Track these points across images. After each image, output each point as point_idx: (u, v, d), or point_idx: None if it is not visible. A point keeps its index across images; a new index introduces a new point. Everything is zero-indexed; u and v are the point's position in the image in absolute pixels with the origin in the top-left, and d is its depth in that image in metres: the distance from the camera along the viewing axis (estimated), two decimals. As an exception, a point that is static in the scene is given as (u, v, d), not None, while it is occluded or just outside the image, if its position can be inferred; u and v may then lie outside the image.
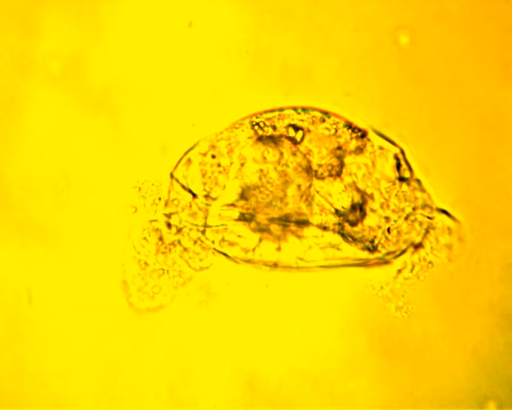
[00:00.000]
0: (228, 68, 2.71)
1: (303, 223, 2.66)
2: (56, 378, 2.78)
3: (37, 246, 2.76)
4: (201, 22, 2.73)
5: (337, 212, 2.61)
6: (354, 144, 2.65)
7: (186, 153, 2.71)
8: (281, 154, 2.60)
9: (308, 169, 2.60)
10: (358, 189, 2.63)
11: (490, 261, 2.69)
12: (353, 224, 2.62)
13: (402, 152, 2.69)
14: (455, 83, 2.70)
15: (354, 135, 2.63)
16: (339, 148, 2.63)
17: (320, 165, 2.65)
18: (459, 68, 2.70)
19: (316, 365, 2.75)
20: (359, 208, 2.61)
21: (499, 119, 2.71)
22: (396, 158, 2.68)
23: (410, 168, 2.69)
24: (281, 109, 2.70)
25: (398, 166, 2.68)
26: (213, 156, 2.67)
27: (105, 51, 2.75)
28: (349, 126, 2.65)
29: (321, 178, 2.64)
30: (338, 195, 2.63)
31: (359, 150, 2.64)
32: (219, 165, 2.67)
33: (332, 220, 2.64)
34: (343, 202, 2.64)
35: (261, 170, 2.64)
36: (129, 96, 2.74)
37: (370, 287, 2.68)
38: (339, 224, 2.62)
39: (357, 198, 2.62)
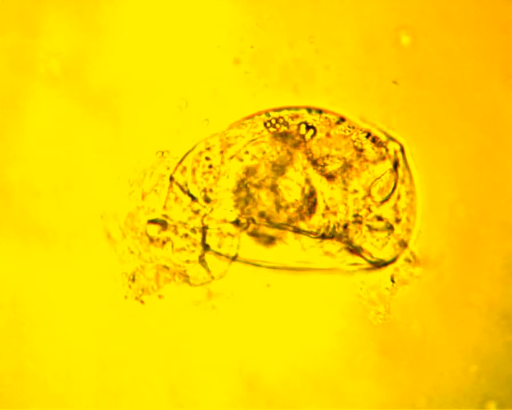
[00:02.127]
0: (228, 67, 2.71)
1: (298, 230, 2.67)
2: (56, 378, 2.78)
3: (37, 246, 2.76)
4: (201, 22, 2.73)
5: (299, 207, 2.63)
6: (373, 153, 2.66)
7: (185, 155, 2.71)
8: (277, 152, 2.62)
9: (282, 167, 2.62)
10: (310, 184, 2.64)
11: (490, 261, 2.70)
12: (309, 213, 2.62)
13: (402, 150, 2.69)
14: (455, 83, 2.70)
15: (376, 148, 2.64)
16: (361, 150, 2.64)
17: (321, 163, 2.66)
18: (459, 68, 2.70)
19: (316, 365, 2.75)
20: (310, 198, 2.62)
21: (499, 119, 2.71)
22: (395, 155, 2.68)
23: (408, 167, 2.70)
24: (297, 108, 2.71)
25: (395, 164, 2.69)
26: (218, 153, 2.68)
27: (105, 51, 2.74)
28: (368, 134, 2.66)
29: (325, 175, 2.65)
30: (292, 188, 2.64)
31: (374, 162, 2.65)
32: (210, 166, 2.68)
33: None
34: (295, 194, 2.65)
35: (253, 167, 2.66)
36: (129, 96, 2.74)
37: (358, 288, 2.69)
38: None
39: (307, 189, 2.62)
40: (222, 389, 2.76)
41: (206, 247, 2.69)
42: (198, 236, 2.69)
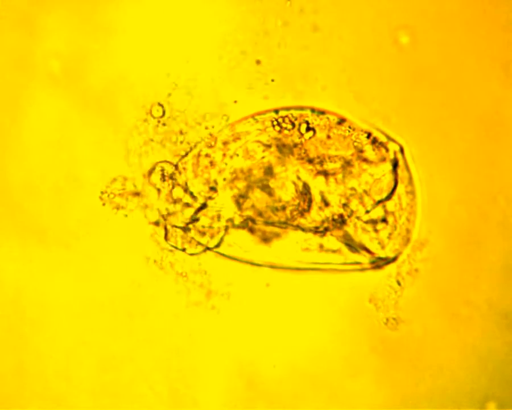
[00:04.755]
0: (228, 68, 2.71)
1: (298, 226, 2.67)
2: (56, 378, 2.78)
3: (37, 246, 2.76)
4: (200, 22, 2.73)
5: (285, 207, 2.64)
6: (373, 154, 2.66)
7: (186, 154, 2.71)
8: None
9: (272, 169, 2.63)
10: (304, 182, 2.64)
11: (490, 261, 2.69)
12: (308, 208, 2.63)
13: (401, 150, 2.69)
14: (455, 83, 2.70)
15: (376, 149, 2.64)
16: (360, 151, 2.64)
17: (317, 162, 2.66)
18: (459, 68, 2.70)
19: (316, 365, 2.75)
20: (306, 194, 2.62)
21: (499, 119, 2.71)
22: (394, 156, 2.69)
23: (407, 167, 2.70)
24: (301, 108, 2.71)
25: (395, 165, 2.69)
26: (208, 155, 2.69)
27: (105, 51, 2.75)
28: (369, 134, 2.66)
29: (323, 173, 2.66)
30: (286, 186, 2.65)
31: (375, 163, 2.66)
32: (211, 162, 2.68)
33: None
34: (290, 193, 2.65)
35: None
36: (129, 96, 2.74)
37: (365, 297, 2.70)
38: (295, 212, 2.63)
39: (301, 186, 2.63)
40: (222, 389, 2.76)
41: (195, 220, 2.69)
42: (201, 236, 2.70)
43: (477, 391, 2.70)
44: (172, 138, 2.70)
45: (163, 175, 2.66)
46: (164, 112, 2.68)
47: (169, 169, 2.65)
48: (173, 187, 2.64)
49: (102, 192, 2.68)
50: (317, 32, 2.69)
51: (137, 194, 2.67)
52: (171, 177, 2.65)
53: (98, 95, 2.75)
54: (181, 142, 2.70)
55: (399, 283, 2.67)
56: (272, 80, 2.64)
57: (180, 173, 2.64)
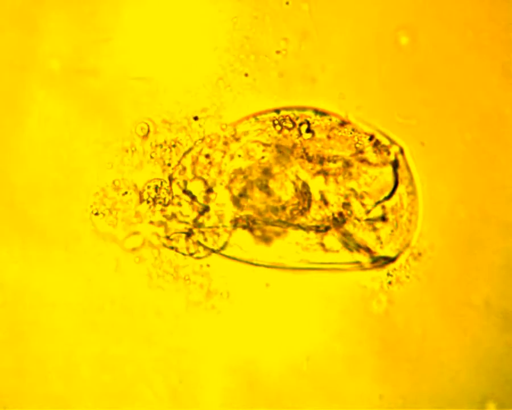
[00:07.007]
0: (228, 68, 2.71)
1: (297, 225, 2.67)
2: (56, 378, 2.78)
3: (37, 247, 2.76)
4: (200, 23, 2.73)
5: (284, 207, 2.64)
6: (373, 156, 2.66)
7: (184, 155, 2.71)
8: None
9: (270, 169, 2.63)
10: (303, 181, 2.65)
11: (490, 261, 2.70)
12: (308, 207, 2.63)
13: (401, 151, 2.69)
14: (455, 83, 2.71)
15: (377, 151, 2.64)
16: (361, 152, 2.65)
17: (316, 161, 2.66)
18: (459, 68, 2.70)
19: (316, 365, 2.75)
20: (305, 193, 2.62)
21: (499, 119, 2.71)
22: (394, 157, 2.69)
23: (408, 168, 2.70)
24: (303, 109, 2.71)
25: (395, 166, 2.69)
26: (207, 156, 2.69)
27: (105, 51, 2.75)
28: (371, 137, 2.66)
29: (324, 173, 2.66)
30: (285, 186, 2.65)
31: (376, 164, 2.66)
32: (210, 163, 2.68)
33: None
34: (290, 192, 2.65)
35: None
36: (129, 96, 2.74)
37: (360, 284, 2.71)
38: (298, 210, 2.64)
39: (300, 185, 2.63)
40: (222, 389, 2.76)
41: (198, 225, 2.69)
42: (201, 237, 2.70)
43: (477, 391, 2.70)
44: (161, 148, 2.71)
45: (154, 198, 2.67)
46: (148, 130, 2.69)
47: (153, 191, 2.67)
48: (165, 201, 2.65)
49: (91, 206, 2.69)
50: (317, 33, 2.69)
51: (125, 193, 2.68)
52: (156, 199, 2.66)
53: (97, 95, 2.75)
54: (174, 146, 2.70)
55: (389, 274, 2.67)
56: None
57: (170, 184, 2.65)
